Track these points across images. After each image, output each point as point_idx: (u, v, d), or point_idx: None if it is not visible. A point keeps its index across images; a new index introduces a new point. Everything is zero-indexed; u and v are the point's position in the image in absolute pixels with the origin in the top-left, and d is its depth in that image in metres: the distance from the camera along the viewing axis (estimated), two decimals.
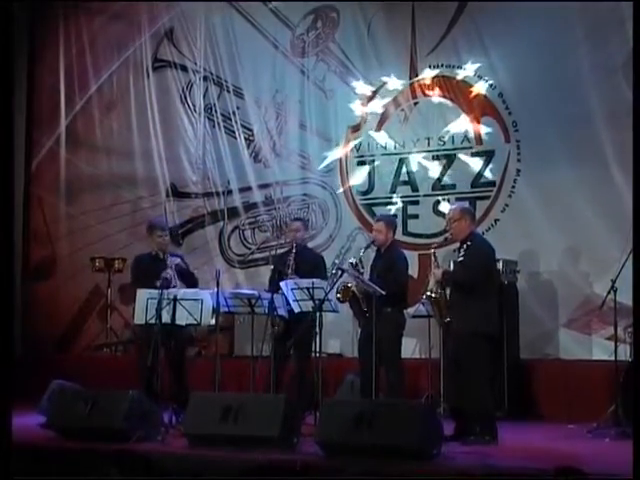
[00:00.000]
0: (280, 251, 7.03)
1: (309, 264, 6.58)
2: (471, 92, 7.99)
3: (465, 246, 5.59)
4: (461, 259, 5.61)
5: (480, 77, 7.96)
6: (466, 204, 6.00)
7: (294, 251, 6.62)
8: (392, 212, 8.15)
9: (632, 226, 5.62)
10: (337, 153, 8.55)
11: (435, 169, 8.14)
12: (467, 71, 7.99)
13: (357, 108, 8.48)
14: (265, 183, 8.86)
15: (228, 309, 6.42)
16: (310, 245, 8.44)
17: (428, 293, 5.66)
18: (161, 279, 6.31)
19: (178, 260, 6.65)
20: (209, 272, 8.67)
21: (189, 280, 6.54)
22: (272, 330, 6.33)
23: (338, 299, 6.27)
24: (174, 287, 6.33)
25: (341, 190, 8.52)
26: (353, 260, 6.32)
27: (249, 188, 8.90)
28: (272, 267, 6.98)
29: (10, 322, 5.05)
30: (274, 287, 6.41)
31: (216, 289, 6.30)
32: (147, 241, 6.89)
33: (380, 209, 8.25)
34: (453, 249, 7.07)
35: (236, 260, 8.84)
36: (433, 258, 5.73)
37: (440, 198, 8.06)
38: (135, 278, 6.59)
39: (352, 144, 8.49)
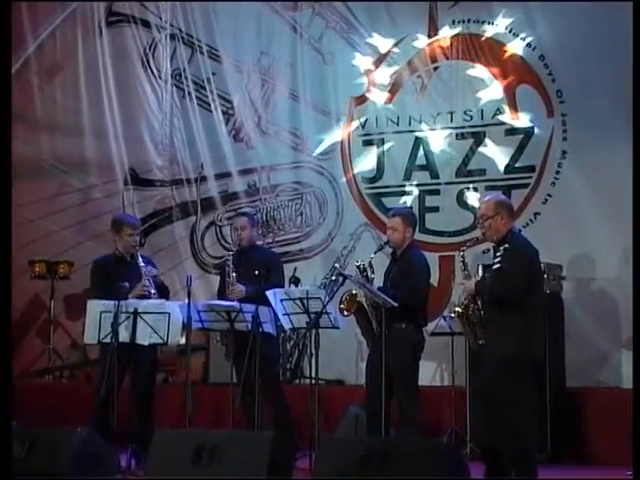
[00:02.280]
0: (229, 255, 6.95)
1: (258, 266, 6.49)
2: (504, 54, 7.99)
3: (502, 250, 5.55)
4: (497, 266, 5.56)
5: (516, 34, 7.96)
6: (501, 195, 5.97)
7: (231, 254, 6.60)
8: (406, 204, 8.16)
9: (632, 226, 5.60)
10: (338, 131, 8.56)
11: (460, 150, 8.14)
12: (499, 27, 8.00)
13: (362, 74, 8.50)
14: (248, 168, 8.87)
15: (202, 325, 6.40)
16: (304, 246, 8.51)
17: (458, 309, 5.63)
18: (134, 294, 6.30)
19: (155, 271, 6.64)
20: (178, 279, 8.73)
21: (161, 295, 6.53)
22: (225, 352, 6.36)
23: (341, 311, 6.27)
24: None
25: (343, 177, 8.54)
26: (360, 263, 6.32)
27: (228, 174, 8.91)
28: (220, 274, 6.96)
29: None
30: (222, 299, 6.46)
31: (187, 300, 6.29)
32: (106, 240, 6.88)
33: (391, 200, 8.25)
34: (483, 250, 7.12)
35: (212, 264, 8.84)
36: (461, 263, 5.70)
37: (466, 187, 8.07)
38: (98, 288, 6.55)
39: (356, 119, 8.50)
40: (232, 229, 6.93)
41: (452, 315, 5.84)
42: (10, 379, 5.20)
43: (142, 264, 6.50)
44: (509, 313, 5.41)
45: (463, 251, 5.74)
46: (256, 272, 6.37)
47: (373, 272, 6.30)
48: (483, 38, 8.05)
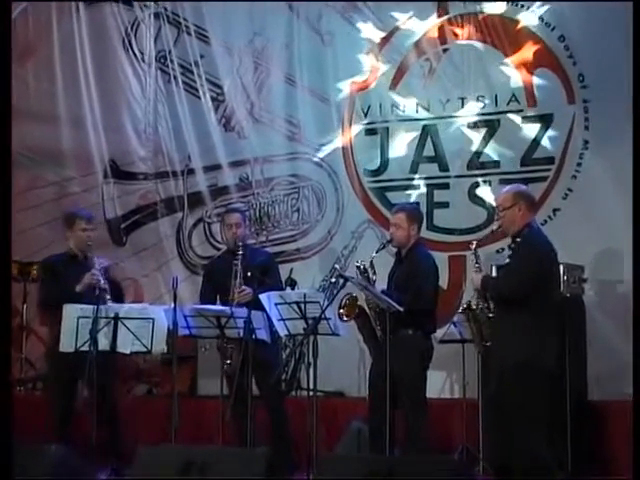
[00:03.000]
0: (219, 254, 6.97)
1: (252, 267, 6.55)
2: (521, 35, 7.99)
3: (514, 243, 5.59)
4: (507, 261, 5.60)
5: (533, 14, 7.96)
6: (522, 186, 5.98)
7: (240, 253, 6.60)
8: (413, 199, 8.16)
9: (632, 226, 5.61)
10: (338, 119, 8.56)
11: (472, 141, 8.14)
12: (515, 6, 8.00)
13: (365, 57, 8.50)
14: (239, 159, 8.87)
15: (189, 331, 6.40)
16: (301, 245, 8.51)
17: (464, 305, 5.66)
18: (82, 284, 6.30)
19: (106, 262, 6.65)
20: (163, 281, 8.74)
21: (112, 293, 6.52)
22: (224, 364, 6.37)
23: (341, 317, 6.27)
24: (107, 300, 6.33)
25: (343, 170, 8.54)
26: (361, 263, 6.32)
27: (217, 166, 8.91)
28: (204, 277, 6.98)
29: None
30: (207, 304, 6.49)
31: (173, 304, 6.29)
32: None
33: (397, 195, 8.26)
34: (497, 249, 7.11)
35: (200, 265, 8.83)
36: (474, 258, 5.72)
37: (478, 180, 8.07)
38: (46, 290, 6.55)
39: (358, 107, 8.50)
40: (224, 227, 6.92)
41: (460, 310, 5.83)
42: (9, 383, 5.24)
43: (94, 258, 6.47)
44: (517, 314, 5.43)
45: (476, 247, 5.76)
46: (249, 274, 6.38)
47: (375, 273, 6.32)
48: (497, 18, 8.04)
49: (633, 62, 6.02)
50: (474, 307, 5.66)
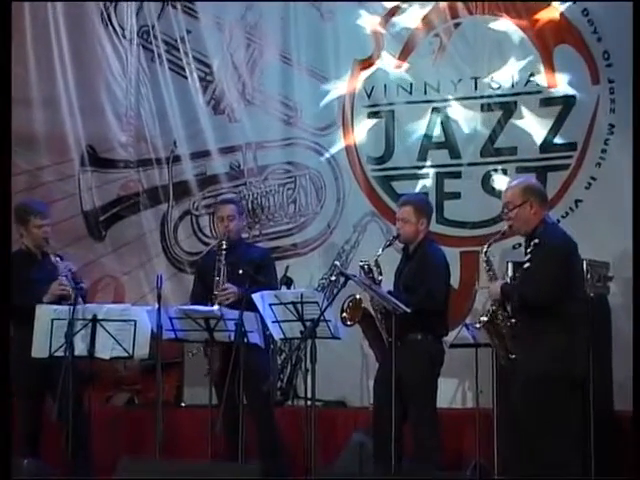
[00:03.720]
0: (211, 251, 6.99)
1: (246, 265, 6.56)
2: (540, 7, 7.96)
3: (532, 245, 5.55)
4: (527, 265, 5.56)
5: None
6: (532, 178, 5.97)
7: (224, 248, 6.62)
8: (421, 189, 8.16)
9: (632, 225, 5.62)
10: (338, 101, 8.54)
11: (486, 124, 8.12)
12: None
13: (368, 33, 8.48)
14: (230, 146, 8.86)
15: (175, 335, 6.41)
16: (298, 239, 8.51)
17: (484, 318, 5.63)
18: (49, 295, 6.30)
19: (73, 266, 6.64)
20: (146, 279, 8.73)
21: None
22: (207, 371, 6.38)
23: (344, 321, 6.27)
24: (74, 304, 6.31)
25: (345, 157, 8.52)
26: (364, 263, 6.31)
27: (206, 153, 8.91)
28: (195, 274, 7.01)
29: None
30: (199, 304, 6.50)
31: (157, 305, 6.28)
32: (59, 231, 6.87)
33: (403, 185, 8.25)
34: (513, 244, 7.10)
35: (187, 261, 8.84)
36: (485, 263, 5.69)
37: (493, 168, 8.06)
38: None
39: (361, 87, 8.49)
40: (215, 219, 6.91)
41: (477, 325, 5.82)
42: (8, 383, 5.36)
43: (57, 260, 6.45)
44: (543, 322, 5.41)
45: (488, 246, 5.73)
46: (240, 271, 6.37)
47: (381, 273, 6.31)
48: None
49: (633, 62, 6.03)
50: (493, 318, 5.61)
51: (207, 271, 6.79)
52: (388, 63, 8.41)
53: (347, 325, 6.30)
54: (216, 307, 6.38)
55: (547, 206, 5.79)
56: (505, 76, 8.06)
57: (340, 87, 8.54)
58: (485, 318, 5.68)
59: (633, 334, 5.58)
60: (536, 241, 5.51)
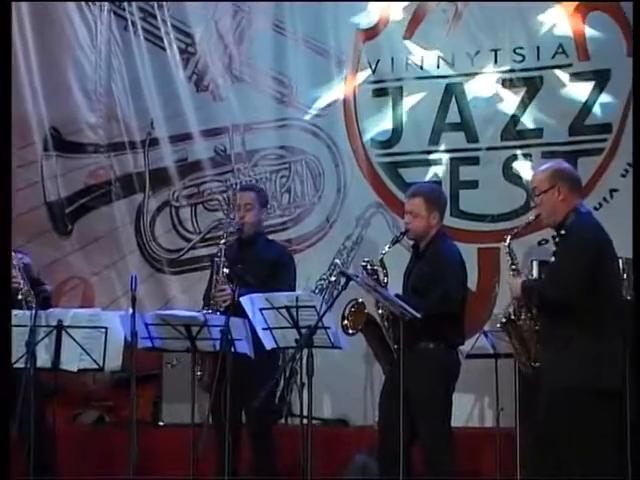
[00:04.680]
0: (225, 244, 7.01)
1: (263, 265, 6.59)
2: None
3: (558, 236, 5.56)
4: (552, 259, 5.58)
5: None
6: (563, 163, 5.96)
7: (223, 242, 6.63)
8: (433, 177, 8.17)
9: (632, 225, 5.64)
10: (339, 76, 8.55)
11: (507, 103, 8.12)
12: None
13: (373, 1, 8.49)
14: (215, 127, 8.87)
15: (151, 343, 6.38)
16: (293, 234, 8.51)
17: (503, 320, 5.62)
18: None
19: (27, 259, 6.62)
20: (119, 280, 8.72)
21: (40, 299, 6.48)
22: (198, 380, 6.40)
23: (345, 329, 6.27)
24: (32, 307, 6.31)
25: (346, 140, 8.53)
26: (366, 262, 6.31)
27: (187, 136, 8.91)
28: (210, 272, 6.98)
29: None
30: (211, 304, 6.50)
31: (131, 309, 6.27)
32: (19, 226, 6.86)
33: (413, 172, 8.26)
34: (539, 240, 7.09)
35: (165, 260, 8.88)
36: (508, 256, 5.70)
37: (516, 153, 8.06)
38: None
39: (364, 61, 8.49)
40: (233, 208, 6.87)
41: (497, 325, 5.82)
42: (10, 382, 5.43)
43: (13, 254, 6.46)
44: (573, 326, 5.39)
45: (510, 238, 5.73)
46: (243, 274, 6.34)
47: (387, 274, 6.31)
48: None
49: (633, 62, 6.05)
50: (515, 318, 5.61)
51: (228, 266, 6.77)
52: (395, 33, 8.42)
53: (349, 334, 6.28)
54: (205, 311, 6.39)
55: (580, 193, 5.77)
56: (529, 47, 8.06)
57: (341, 61, 8.53)
58: (505, 318, 5.68)
59: (634, 333, 5.58)
60: (562, 232, 5.50)
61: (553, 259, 5.54)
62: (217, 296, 6.57)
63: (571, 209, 5.56)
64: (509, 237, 5.78)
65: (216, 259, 6.64)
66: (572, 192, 5.60)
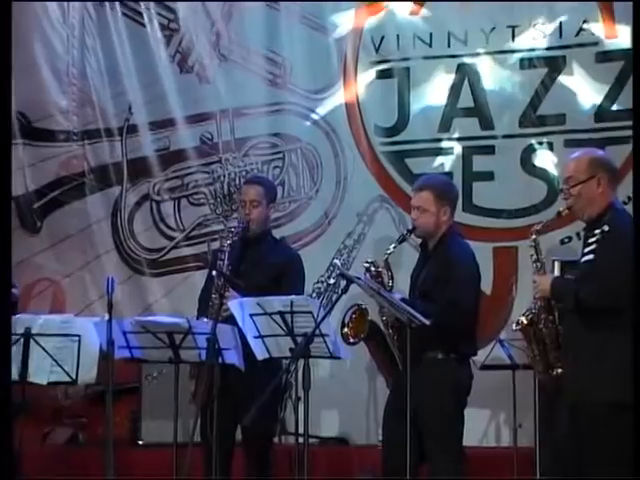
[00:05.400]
0: (226, 243, 7.01)
1: (270, 269, 6.59)
2: None
3: (599, 233, 5.53)
4: (588, 258, 5.55)
5: None
6: (598, 151, 5.97)
7: (229, 243, 6.60)
8: (442, 168, 8.20)
9: (633, 224, 5.65)
10: (338, 55, 8.56)
11: (526, 86, 8.13)
12: None
13: None
14: (201, 113, 8.89)
15: (130, 353, 6.39)
16: (288, 232, 8.51)
17: (522, 319, 5.62)
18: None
19: None
20: (93, 283, 8.71)
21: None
22: (192, 395, 6.39)
23: (346, 338, 6.27)
24: None
25: (347, 127, 8.54)
26: (370, 263, 6.31)
27: (170, 122, 8.93)
28: (208, 274, 6.94)
29: None
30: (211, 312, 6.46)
31: (107, 315, 6.27)
32: None
33: (421, 163, 8.27)
34: (561, 238, 7.09)
35: (145, 260, 8.90)
36: (534, 250, 5.70)
37: (536, 141, 8.07)
38: None
39: (367, 39, 8.51)
40: (221, 203, 6.86)
41: (514, 327, 5.82)
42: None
43: None
44: (606, 333, 5.38)
45: (536, 233, 5.73)
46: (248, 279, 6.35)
47: (392, 276, 6.30)
48: None
49: (633, 61, 6.08)
50: (535, 320, 5.60)
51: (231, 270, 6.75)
52: (402, 7, 8.42)
53: (350, 343, 6.28)
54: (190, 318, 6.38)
55: (616, 187, 5.79)
56: (551, 24, 8.06)
57: (341, 38, 8.55)
58: (524, 319, 5.67)
59: (633, 334, 5.58)
60: (605, 228, 5.46)
61: (591, 257, 5.51)
62: (216, 303, 6.51)
63: (608, 203, 5.56)
64: (535, 231, 5.78)
65: (219, 262, 6.58)
66: (610, 185, 5.61)
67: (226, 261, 6.55)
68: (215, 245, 8.45)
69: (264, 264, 6.61)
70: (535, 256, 5.72)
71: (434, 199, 6.32)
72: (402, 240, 6.39)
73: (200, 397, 6.36)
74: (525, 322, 5.67)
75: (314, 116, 8.66)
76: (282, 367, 6.26)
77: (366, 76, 8.51)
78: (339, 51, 8.56)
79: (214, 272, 6.53)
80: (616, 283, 5.33)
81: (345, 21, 8.55)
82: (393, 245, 6.34)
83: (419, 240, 6.48)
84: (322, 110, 8.64)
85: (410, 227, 6.44)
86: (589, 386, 5.40)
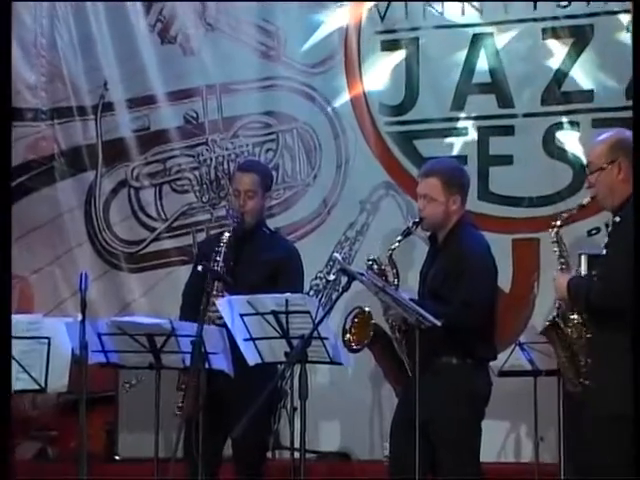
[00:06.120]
0: (213, 233, 7.02)
1: (265, 266, 6.62)
2: None
3: (612, 224, 5.57)
4: (604, 252, 5.58)
5: None
6: (626, 132, 5.96)
7: (229, 236, 6.62)
8: (455, 151, 8.22)
9: (633, 223, 5.68)
10: (338, 25, 8.58)
11: (549, 59, 8.13)
12: None
13: None
14: (185, 89, 8.91)
15: (106, 358, 6.40)
16: (282, 222, 8.53)
17: (547, 322, 5.62)
18: None
19: None
20: (64, 279, 8.73)
21: None
22: (178, 407, 6.39)
23: (349, 345, 6.30)
24: None
25: (348, 105, 8.55)
26: (372, 261, 6.33)
27: (150, 99, 8.95)
28: (194, 267, 6.97)
29: None
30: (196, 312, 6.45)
31: (80, 315, 6.27)
32: None
33: (431, 145, 8.30)
34: (589, 229, 7.09)
35: (123, 254, 8.91)
36: (556, 245, 5.71)
37: (560, 121, 8.08)
38: None
39: (371, 5, 8.51)
40: (207, 189, 6.86)
41: (541, 330, 5.82)
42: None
43: None
44: (626, 335, 5.38)
45: (559, 226, 5.73)
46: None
47: (397, 274, 6.32)
48: None
49: (633, 61, 6.10)
50: (560, 321, 5.61)
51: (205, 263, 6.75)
52: None
53: (353, 350, 6.30)
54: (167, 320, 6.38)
55: None
56: None
57: (342, 5, 8.56)
58: (549, 321, 5.68)
59: (633, 336, 5.60)
60: (617, 219, 5.50)
61: (605, 252, 5.55)
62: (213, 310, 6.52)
63: (631, 192, 5.55)
64: (558, 222, 5.78)
65: (213, 263, 6.58)
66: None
67: (221, 263, 6.56)
68: (201, 237, 8.47)
69: (259, 261, 6.63)
70: (558, 252, 5.72)
71: (442, 186, 6.31)
72: (407, 234, 6.38)
73: (188, 411, 6.38)
74: (549, 324, 5.67)
75: (311, 92, 8.66)
76: (277, 373, 6.27)
77: (370, 48, 8.51)
78: (339, 20, 8.55)
79: (200, 267, 6.53)
80: (624, 277, 5.31)
81: None
82: (398, 239, 6.34)
83: (428, 233, 6.49)
84: (320, 86, 8.64)
85: (415, 219, 6.44)
86: (606, 394, 5.41)
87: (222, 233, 6.72)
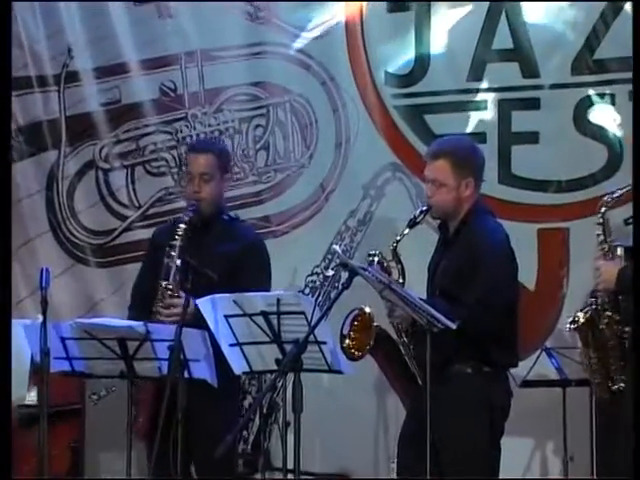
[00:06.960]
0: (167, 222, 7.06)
1: (223, 258, 6.68)
2: None
3: None
4: None
5: None
6: None
7: (184, 227, 6.68)
8: (470, 128, 8.24)
9: (633, 222, 5.74)
10: None
11: (580, 23, 8.14)
12: None
13: None
14: (161, 56, 8.95)
15: (70, 366, 6.43)
16: (273, 210, 8.58)
17: (579, 315, 5.64)
18: None
19: None
20: (23, 275, 8.76)
21: None
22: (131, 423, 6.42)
23: (348, 351, 6.34)
24: None
25: (349, 75, 8.57)
26: (374, 255, 6.37)
27: (121, 68, 8.98)
28: (145, 259, 7.16)
29: None
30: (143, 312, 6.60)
31: (41, 316, 6.28)
32: None
33: (444, 120, 8.33)
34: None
35: (90, 246, 8.96)
36: (601, 227, 5.71)
37: (593, 92, 8.09)
38: None
39: None
40: (182, 178, 6.92)
41: (567, 326, 5.84)
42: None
43: None
44: None
45: (607, 207, 5.74)
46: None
47: (403, 270, 6.37)
48: None
49: (633, 61, 6.14)
50: (594, 317, 5.63)
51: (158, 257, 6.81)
52: None
53: (354, 358, 6.32)
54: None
55: None
56: None
57: None
58: (581, 315, 5.70)
59: (633, 336, 5.64)
60: None
61: None
62: (163, 312, 6.56)
63: None
64: (605, 203, 5.80)
65: (167, 259, 6.61)
66: None
67: (176, 259, 6.58)
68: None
69: (216, 254, 6.66)
70: (602, 236, 5.74)
71: (452, 169, 6.33)
72: (414, 224, 6.40)
73: (142, 428, 6.40)
74: (582, 320, 5.68)
75: (307, 61, 8.68)
76: (243, 381, 6.30)
77: (374, 10, 8.53)
78: None
79: (179, 261, 6.56)
80: None
81: None
82: (404, 230, 6.35)
83: (437, 221, 6.49)
84: (318, 53, 8.67)
85: (424, 207, 6.44)
86: None
87: (177, 223, 6.76)
